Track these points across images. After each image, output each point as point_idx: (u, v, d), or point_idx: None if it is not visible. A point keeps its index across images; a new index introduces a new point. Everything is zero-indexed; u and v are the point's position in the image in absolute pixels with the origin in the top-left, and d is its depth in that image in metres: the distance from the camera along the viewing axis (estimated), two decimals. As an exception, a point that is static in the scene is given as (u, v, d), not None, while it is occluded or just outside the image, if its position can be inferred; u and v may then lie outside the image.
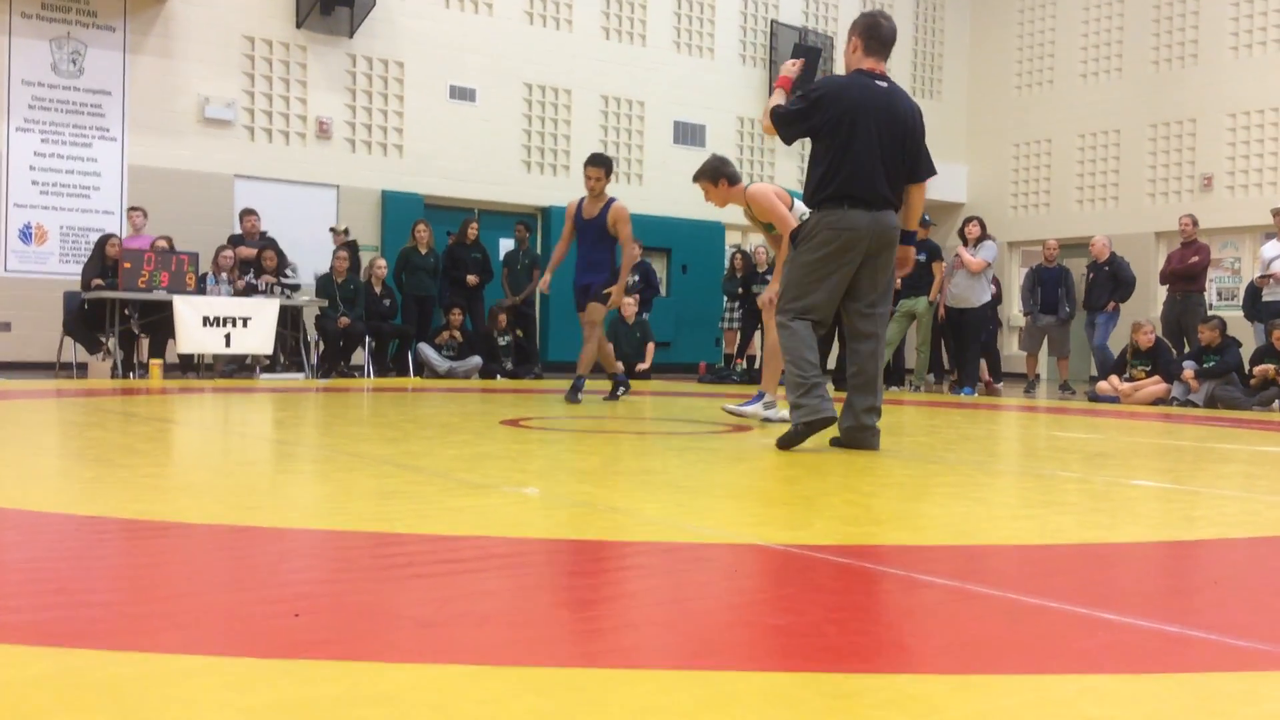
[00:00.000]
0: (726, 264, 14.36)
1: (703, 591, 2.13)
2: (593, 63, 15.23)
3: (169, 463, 4.14)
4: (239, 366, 10.95)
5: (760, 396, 6.41)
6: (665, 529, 2.74)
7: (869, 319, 4.74)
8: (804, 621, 1.88)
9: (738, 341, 13.72)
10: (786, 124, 4.74)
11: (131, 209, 11.17)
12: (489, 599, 1.98)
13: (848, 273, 4.67)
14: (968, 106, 18.50)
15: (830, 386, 6.08)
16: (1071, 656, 1.71)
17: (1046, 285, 12.25)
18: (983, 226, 11.57)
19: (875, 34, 4.75)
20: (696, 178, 6.59)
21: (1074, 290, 12.42)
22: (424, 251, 12.27)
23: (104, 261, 10.33)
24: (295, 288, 11.53)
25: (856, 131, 4.62)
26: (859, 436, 4.82)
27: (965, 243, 11.44)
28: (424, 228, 12.26)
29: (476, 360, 12.14)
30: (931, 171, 4.86)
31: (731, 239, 16.23)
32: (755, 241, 16.63)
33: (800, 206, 6.03)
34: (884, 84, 4.73)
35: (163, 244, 10.92)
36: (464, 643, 1.67)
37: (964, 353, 11.25)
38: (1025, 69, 17.76)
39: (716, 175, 6.49)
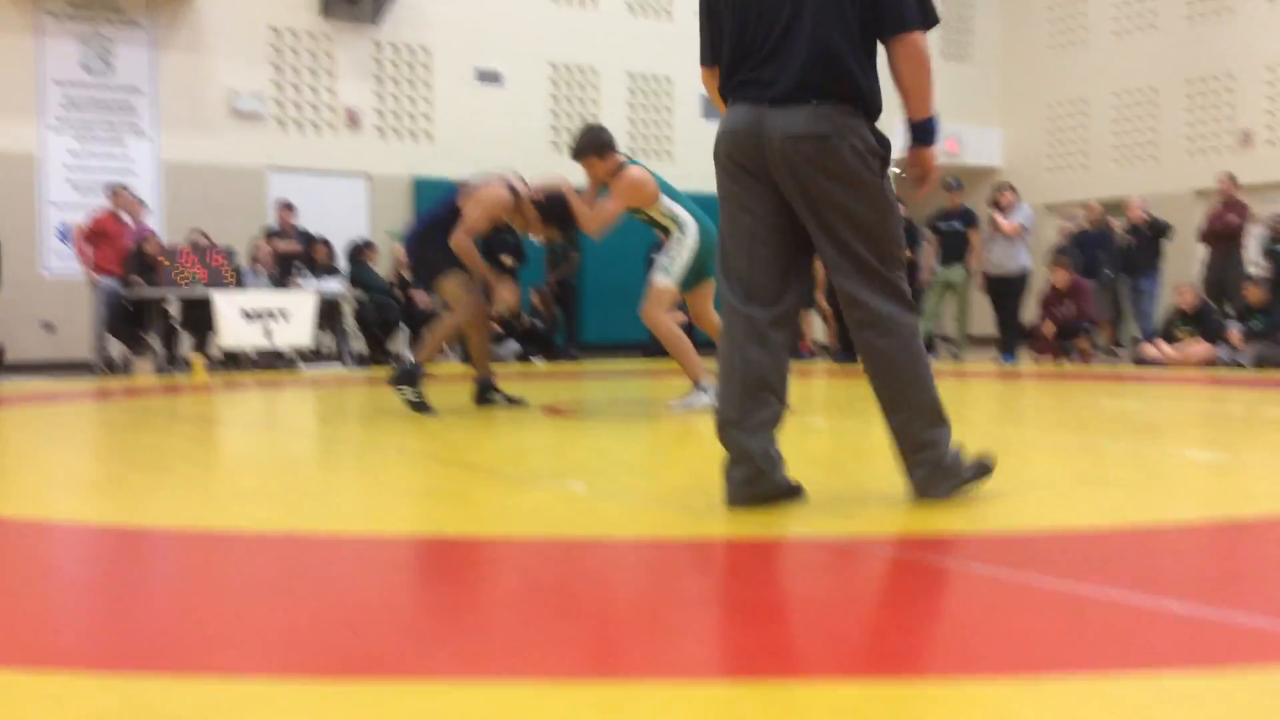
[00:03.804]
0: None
1: (755, 594, 2.11)
2: (618, 40, 15.13)
3: (217, 466, 4.16)
4: (279, 358, 11.02)
5: (697, 387, 5.62)
6: (720, 523, 2.72)
7: (844, 300, 2.86)
8: (863, 624, 1.86)
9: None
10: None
11: (118, 188, 11.00)
12: (552, 606, 1.97)
13: (757, 213, 2.84)
14: (1000, 69, 18.23)
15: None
16: (1141, 652, 1.67)
17: (1087, 248, 12.09)
18: (1015, 193, 11.41)
19: None
20: (577, 156, 5.61)
21: (1115, 253, 12.24)
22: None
23: (143, 259, 10.41)
24: (333, 272, 11.59)
25: (743, 5, 2.85)
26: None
27: (999, 210, 11.29)
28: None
29: (514, 345, 12.16)
30: (910, 19, 2.76)
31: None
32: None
33: (667, 204, 5.54)
34: None
35: (199, 239, 10.98)
36: (532, 656, 1.66)
37: (1006, 320, 11.12)
38: (1057, 28, 17.46)
39: (601, 147, 5.55)
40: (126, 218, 10.81)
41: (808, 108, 2.72)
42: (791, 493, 2.91)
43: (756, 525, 2.67)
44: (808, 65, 2.72)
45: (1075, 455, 4.05)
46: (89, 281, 10.59)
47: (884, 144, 2.80)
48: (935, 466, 2.84)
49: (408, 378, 5.55)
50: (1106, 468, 3.70)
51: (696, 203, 5.79)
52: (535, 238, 5.96)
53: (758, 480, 2.82)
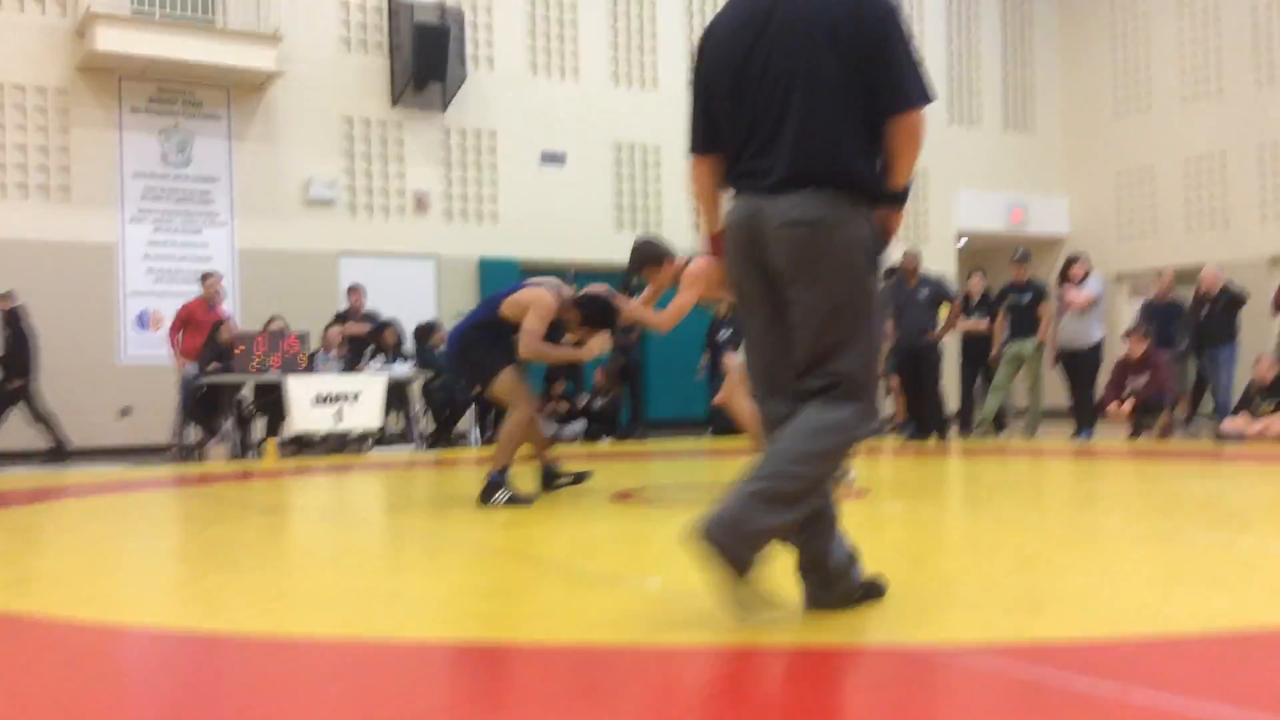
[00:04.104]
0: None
1: (844, 711, 2.03)
2: (680, 119, 15.16)
3: (290, 564, 4.17)
4: (349, 440, 11.12)
5: None
6: (793, 628, 2.65)
7: (804, 387, 2.71)
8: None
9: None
10: (690, 140, 2.97)
11: (210, 275, 11.30)
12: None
13: (766, 310, 2.77)
14: (1064, 137, 18.13)
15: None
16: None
17: (1160, 319, 11.85)
18: (1086, 264, 11.24)
19: None
20: (635, 269, 5.70)
21: (1190, 324, 11.98)
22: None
23: (218, 346, 10.62)
24: (405, 358, 11.72)
25: (738, 77, 2.76)
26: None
27: (1067, 282, 11.12)
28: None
29: (580, 425, 12.17)
30: (913, 96, 2.68)
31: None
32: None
33: None
34: None
35: (274, 325, 11.19)
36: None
37: (1081, 395, 10.90)
38: (1121, 95, 17.36)
39: (655, 258, 5.62)
40: (217, 305, 11.13)
41: (803, 193, 2.64)
42: (871, 592, 2.83)
43: (837, 632, 2.59)
44: (801, 151, 2.65)
45: (1164, 546, 3.92)
46: (176, 367, 10.83)
47: (880, 240, 2.73)
48: (824, 576, 2.73)
49: (494, 488, 5.54)
50: (1199, 562, 3.56)
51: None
52: (574, 340, 5.92)
53: (833, 584, 2.75)
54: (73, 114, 11.99)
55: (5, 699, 2.19)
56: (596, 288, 5.83)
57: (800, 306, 2.67)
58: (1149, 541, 4.06)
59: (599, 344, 5.73)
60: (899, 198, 2.76)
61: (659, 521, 5.03)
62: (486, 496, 5.52)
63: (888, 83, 2.67)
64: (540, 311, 5.58)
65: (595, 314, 5.68)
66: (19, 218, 11.66)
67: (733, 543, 2.52)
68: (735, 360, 5.51)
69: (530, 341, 5.54)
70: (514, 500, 5.50)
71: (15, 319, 10.70)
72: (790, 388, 2.74)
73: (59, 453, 10.71)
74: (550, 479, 6.00)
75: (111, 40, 11.55)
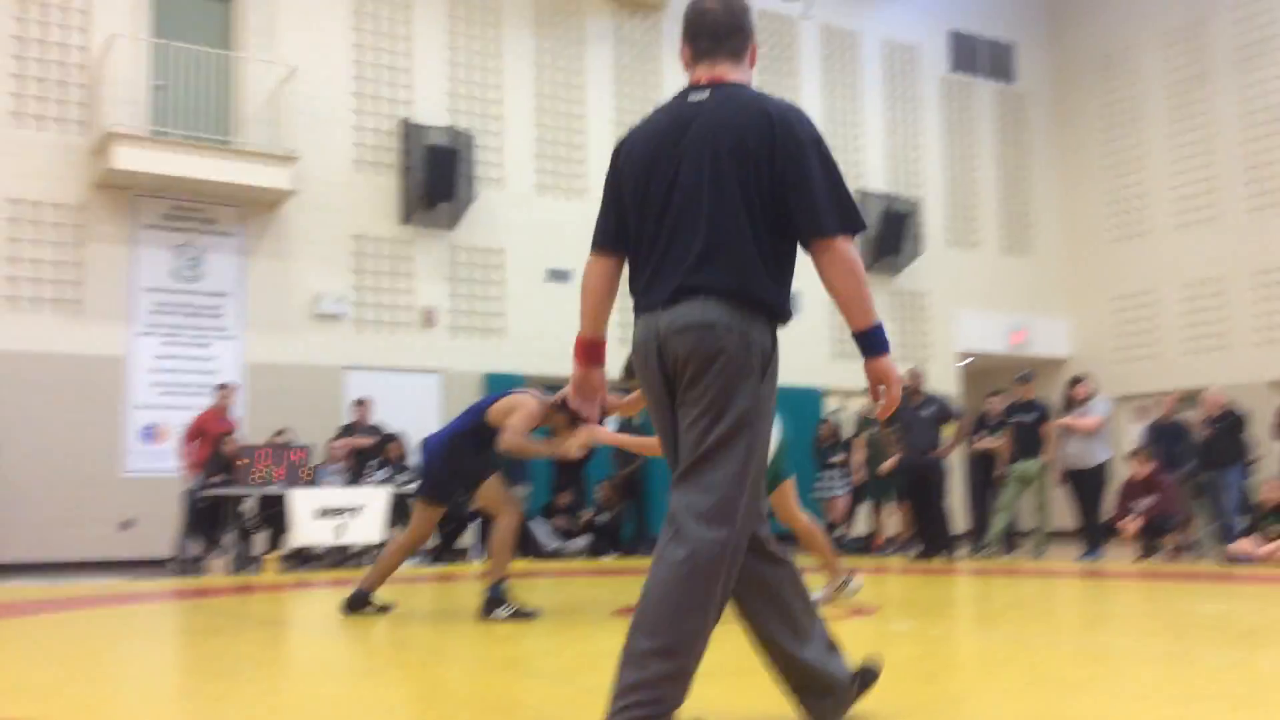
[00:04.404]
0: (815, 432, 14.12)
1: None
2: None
3: (287, 676, 4.11)
4: (348, 555, 11.02)
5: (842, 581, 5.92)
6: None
7: (674, 489, 2.61)
8: None
9: (845, 509, 13.48)
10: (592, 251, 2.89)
11: (225, 386, 11.40)
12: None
13: (671, 428, 2.70)
14: (1062, 261, 18.38)
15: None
16: None
17: (1166, 440, 11.84)
18: (1090, 385, 11.28)
19: (695, 25, 2.83)
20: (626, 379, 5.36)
21: (1194, 445, 11.97)
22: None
23: (221, 459, 10.61)
24: (409, 471, 11.70)
25: (647, 187, 2.73)
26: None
27: (1070, 404, 11.15)
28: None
29: (584, 540, 12.08)
30: (826, 223, 2.63)
31: (830, 405, 16.11)
32: (854, 406, 16.48)
33: None
34: (700, 96, 2.76)
35: (279, 439, 11.20)
36: None
37: (1087, 515, 10.83)
38: (1118, 220, 17.64)
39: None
40: (228, 415, 11.19)
41: (698, 301, 2.57)
42: (867, 679, 2.79)
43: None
44: (702, 265, 2.58)
45: (1178, 666, 3.86)
46: (184, 479, 10.80)
47: (775, 351, 2.63)
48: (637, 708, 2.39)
49: (494, 604, 5.50)
50: (1215, 681, 3.51)
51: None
52: (556, 442, 5.90)
53: (827, 694, 2.71)
54: (88, 229, 12.17)
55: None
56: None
57: (687, 407, 2.57)
58: (1162, 661, 4.00)
59: (578, 441, 5.70)
60: (874, 344, 2.64)
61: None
62: (488, 611, 5.47)
63: (801, 209, 2.61)
64: (524, 413, 5.61)
65: (578, 415, 5.69)
66: (30, 330, 11.75)
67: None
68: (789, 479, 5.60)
69: (512, 436, 5.53)
70: (518, 614, 5.44)
71: None
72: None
73: None
74: (492, 597, 5.72)
75: (129, 159, 11.79)
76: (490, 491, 5.76)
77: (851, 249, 2.61)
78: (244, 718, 3.01)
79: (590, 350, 2.80)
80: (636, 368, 2.71)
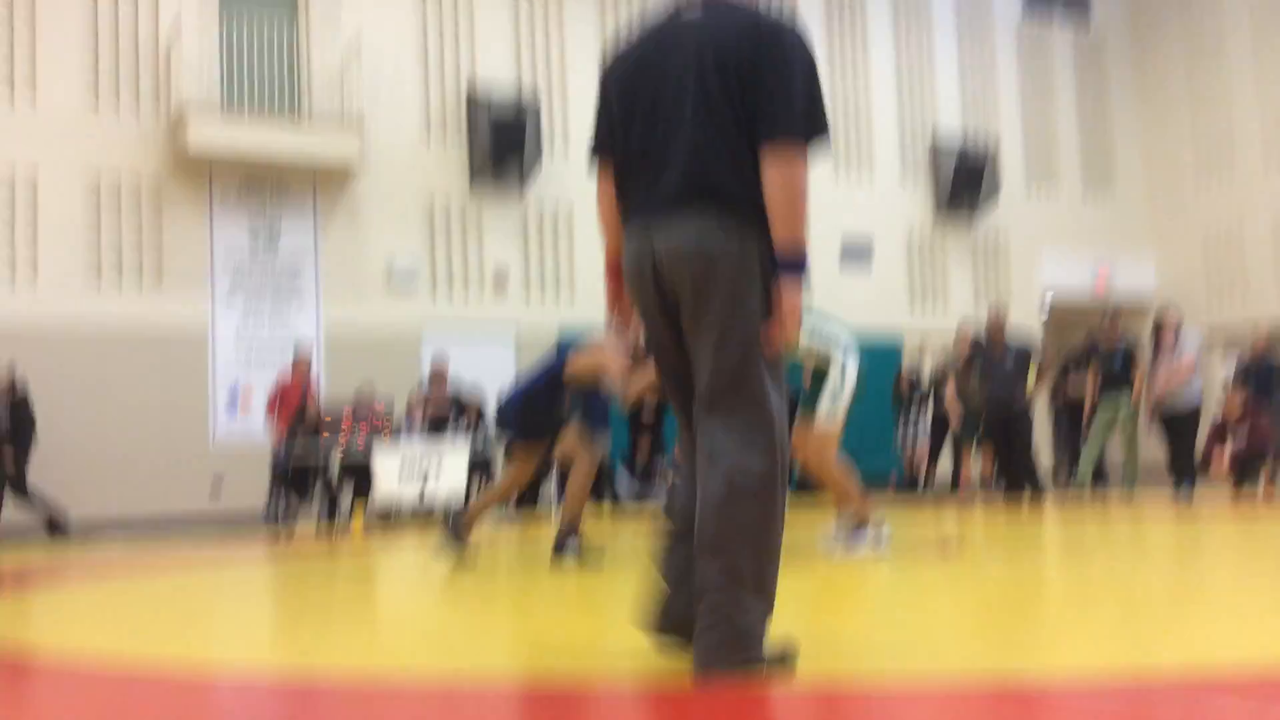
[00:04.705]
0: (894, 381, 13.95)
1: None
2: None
3: (381, 616, 4.17)
4: (434, 511, 11.17)
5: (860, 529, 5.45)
6: (908, 660, 2.56)
7: (699, 422, 2.59)
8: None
9: (926, 455, 13.34)
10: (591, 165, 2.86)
11: (301, 354, 11.59)
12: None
13: (668, 336, 2.69)
14: (1146, 200, 17.86)
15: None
16: None
17: (1257, 377, 11.49)
18: (1179, 321, 10.96)
19: None
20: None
21: (1287, 379, 11.62)
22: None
23: (305, 420, 10.80)
24: (483, 430, 11.82)
25: (633, 99, 2.70)
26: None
27: (1159, 343, 10.83)
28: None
29: (636, 485, 12.13)
30: (780, 123, 2.53)
31: (908, 351, 15.88)
32: (931, 353, 16.23)
33: (811, 320, 5.23)
34: (693, 15, 2.68)
35: (361, 400, 11.38)
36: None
37: (1180, 456, 10.55)
38: (1203, 159, 17.07)
39: None
40: (309, 380, 11.39)
41: (691, 216, 2.53)
42: (778, 660, 2.49)
43: (950, 663, 2.50)
44: (687, 174, 2.54)
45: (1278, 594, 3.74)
46: (273, 443, 11.04)
47: (773, 255, 2.53)
48: (725, 635, 2.37)
49: (564, 548, 5.60)
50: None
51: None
52: (626, 394, 5.87)
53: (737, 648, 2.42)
54: (165, 206, 12.42)
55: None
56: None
57: (699, 332, 2.55)
58: (1266, 591, 3.88)
59: (640, 384, 5.66)
60: (790, 266, 2.51)
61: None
62: (558, 553, 5.54)
63: (760, 108, 2.52)
64: (605, 356, 5.61)
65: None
66: (117, 303, 12.06)
67: (733, 653, 2.38)
68: (824, 423, 5.35)
69: (579, 361, 5.56)
70: (586, 557, 5.51)
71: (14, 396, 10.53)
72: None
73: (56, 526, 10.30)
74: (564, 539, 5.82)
75: (202, 134, 12.00)
76: (569, 439, 5.80)
77: (799, 155, 2.51)
78: (344, 655, 3.05)
79: (619, 268, 2.81)
80: (630, 286, 2.69)
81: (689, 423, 2.67)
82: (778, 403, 2.53)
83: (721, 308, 2.50)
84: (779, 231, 2.50)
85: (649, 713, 2.17)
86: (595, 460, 5.85)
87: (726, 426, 2.48)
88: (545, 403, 5.76)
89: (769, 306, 2.52)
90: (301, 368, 11.34)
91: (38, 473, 10.84)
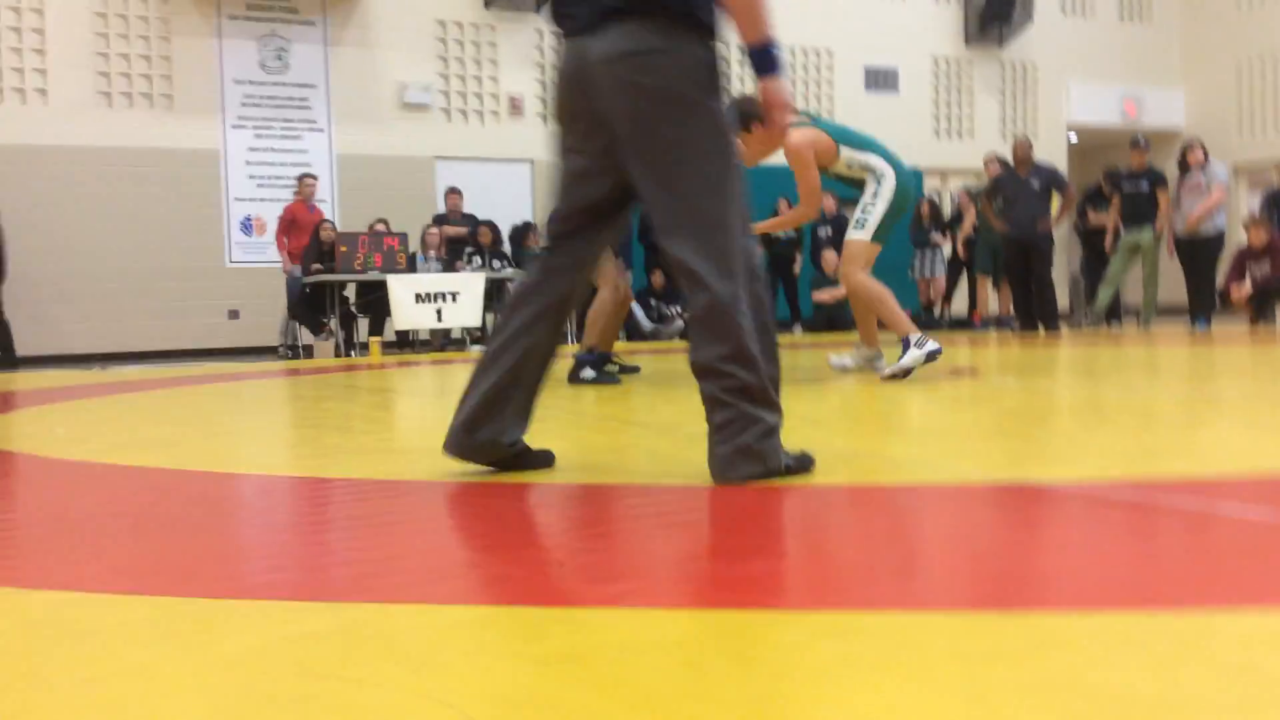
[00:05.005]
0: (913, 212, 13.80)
1: (991, 532, 1.97)
2: (779, 13, 14.88)
3: (399, 430, 4.21)
4: (450, 339, 11.24)
5: (906, 343, 5.24)
6: (924, 469, 2.58)
7: (665, 252, 2.47)
8: (1115, 559, 1.70)
9: (943, 289, 13.28)
10: None
11: (304, 177, 11.43)
12: (760, 545, 1.87)
13: (586, 153, 2.54)
14: (1181, 27, 17.26)
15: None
16: None
17: (1285, 207, 11.31)
18: (1204, 151, 10.73)
19: None
20: None
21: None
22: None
23: (320, 246, 10.76)
24: (503, 258, 11.78)
25: None
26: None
27: (1186, 170, 10.63)
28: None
29: (680, 323, 12.13)
30: None
31: (930, 184, 15.66)
32: (955, 186, 16.00)
33: (849, 153, 5.13)
34: None
35: (380, 227, 11.31)
36: (753, 587, 1.57)
37: (1199, 285, 10.48)
38: (1245, -22, 16.42)
39: (748, 119, 4.96)
40: (314, 205, 11.28)
41: (625, 25, 2.37)
42: (800, 466, 2.49)
43: (965, 471, 2.51)
44: None
45: (1303, 409, 3.72)
46: (284, 270, 11.03)
47: (720, 66, 2.41)
48: (739, 448, 2.37)
49: (580, 367, 5.60)
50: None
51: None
52: None
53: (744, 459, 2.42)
54: (173, 23, 12.11)
55: (145, 528, 2.24)
56: None
57: (645, 155, 2.41)
58: (1285, 405, 3.86)
59: None
60: (763, 61, 2.43)
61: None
62: (574, 375, 5.56)
63: None
64: None
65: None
66: (125, 126, 11.89)
67: (750, 462, 2.38)
68: (857, 236, 5.21)
69: None
70: (600, 379, 5.53)
71: None
72: (573, 237, 2.57)
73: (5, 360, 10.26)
74: (601, 364, 5.85)
75: (208, -54, 11.60)
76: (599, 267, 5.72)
77: None
78: (362, 462, 3.08)
79: None
80: (560, 99, 2.53)
81: (557, 243, 2.60)
82: (740, 215, 2.43)
83: (680, 114, 2.37)
84: (743, 29, 2.40)
85: (702, 500, 2.19)
86: (618, 290, 5.79)
87: (703, 251, 2.39)
88: None
89: (718, 110, 2.40)
90: (307, 190, 11.21)
91: (49, 300, 10.95)
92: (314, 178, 11.45)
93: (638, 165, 2.44)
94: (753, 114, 5.04)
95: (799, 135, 5.14)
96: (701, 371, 2.42)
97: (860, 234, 5.17)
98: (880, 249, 5.23)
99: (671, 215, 2.42)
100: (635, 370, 6.24)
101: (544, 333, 2.62)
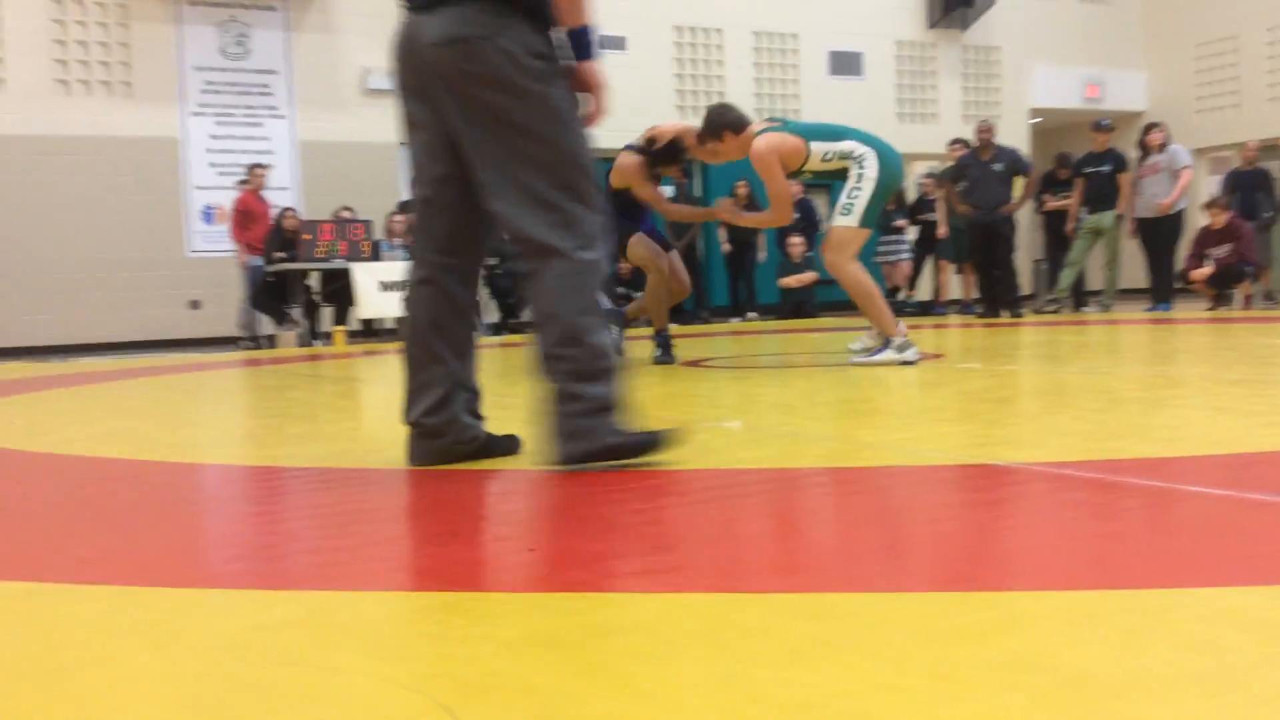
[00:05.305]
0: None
1: (956, 513, 1.98)
2: (742, 1, 14.90)
3: (366, 419, 4.19)
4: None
5: (887, 342, 5.21)
6: (889, 453, 2.60)
7: (507, 232, 2.51)
8: (1079, 539, 1.72)
9: (909, 273, 13.34)
10: None
11: (255, 166, 11.25)
12: (728, 529, 1.88)
13: (428, 141, 2.53)
14: (1143, 9, 17.38)
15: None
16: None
17: (1244, 189, 11.44)
18: (1164, 132, 10.83)
19: None
20: (701, 140, 5.26)
21: (1274, 193, 11.58)
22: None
23: (283, 235, 10.66)
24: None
25: None
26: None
27: (1147, 152, 10.73)
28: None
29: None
30: None
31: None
32: (919, 170, 16.08)
33: (823, 146, 5.11)
34: None
35: (344, 214, 11.22)
36: (721, 570, 1.58)
37: (1159, 266, 10.59)
38: (1204, -40, 16.57)
39: (719, 128, 5.15)
40: (265, 194, 11.13)
41: (459, 8, 2.38)
42: (645, 444, 2.47)
43: (927, 456, 2.53)
44: None
45: (1256, 387, 3.78)
46: (240, 262, 10.89)
47: (552, 49, 2.42)
48: (575, 424, 2.39)
49: (666, 349, 5.88)
50: (1301, 398, 3.43)
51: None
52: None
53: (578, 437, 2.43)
54: (132, 9, 11.94)
55: (110, 518, 2.22)
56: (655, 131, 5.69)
57: (479, 138, 2.41)
58: (1242, 384, 3.92)
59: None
60: (577, 45, 2.45)
61: (730, 380, 4.98)
62: (661, 358, 5.83)
63: None
64: (625, 174, 5.61)
65: (663, 155, 5.56)
66: (84, 113, 11.72)
67: (594, 445, 2.38)
68: (843, 222, 5.14)
69: (661, 207, 5.81)
70: (662, 359, 5.84)
71: None
72: (446, 240, 2.53)
73: None
74: (665, 348, 6.03)
75: (165, -70, 11.43)
76: (636, 250, 5.71)
77: None
78: (327, 450, 3.06)
79: None
80: (393, 71, 2.54)
81: (427, 244, 2.56)
82: (578, 191, 2.42)
83: (510, 100, 2.37)
84: (564, 19, 2.42)
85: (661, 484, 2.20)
86: (663, 270, 5.81)
87: (550, 225, 2.39)
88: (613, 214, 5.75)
89: (556, 94, 2.41)
90: (258, 180, 11.03)
91: (6, 291, 10.78)
92: (264, 167, 11.26)
93: (471, 149, 2.44)
94: (723, 122, 5.11)
95: (763, 142, 5.08)
96: (539, 355, 2.45)
97: (847, 220, 5.09)
98: (869, 234, 5.19)
99: (513, 196, 2.41)
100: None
101: (451, 318, 2.60)
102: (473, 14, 2.38)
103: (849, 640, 1.22)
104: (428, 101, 2.48)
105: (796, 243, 12.60)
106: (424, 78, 2.46)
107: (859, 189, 5.05)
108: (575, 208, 2.42)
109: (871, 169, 5.04)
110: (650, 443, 2.45)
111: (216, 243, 12.17)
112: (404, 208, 11.88)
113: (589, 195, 2.44)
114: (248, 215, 10.86)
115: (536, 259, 2.42)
